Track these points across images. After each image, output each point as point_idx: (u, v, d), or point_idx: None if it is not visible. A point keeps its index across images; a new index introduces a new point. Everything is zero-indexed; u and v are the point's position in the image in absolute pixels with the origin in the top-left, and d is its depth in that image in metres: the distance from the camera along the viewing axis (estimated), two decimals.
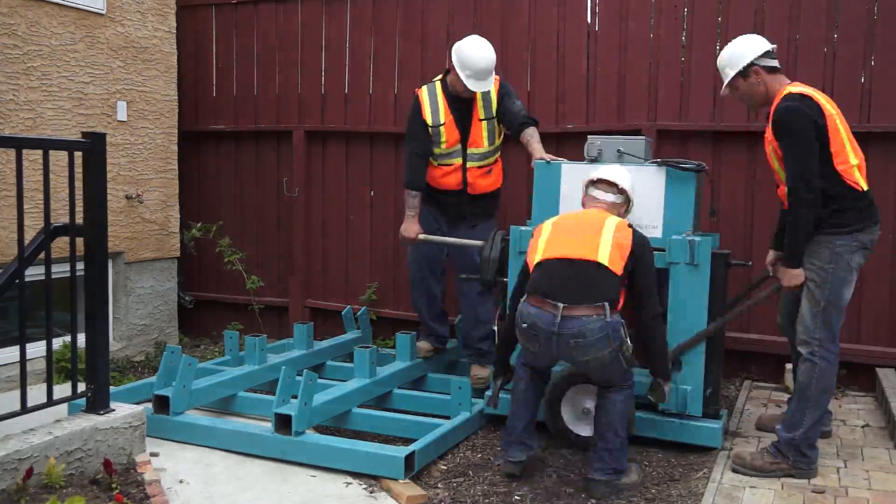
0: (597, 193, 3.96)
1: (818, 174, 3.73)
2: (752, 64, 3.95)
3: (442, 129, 4.98)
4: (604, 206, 3.93)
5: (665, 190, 4.20)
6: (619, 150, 4.35)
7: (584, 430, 4.14)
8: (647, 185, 4.22)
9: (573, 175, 4.37)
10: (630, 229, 3.77)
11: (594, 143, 4.42)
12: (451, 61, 4.89)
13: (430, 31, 6.16)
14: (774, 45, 4.05)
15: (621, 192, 3.95)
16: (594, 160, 4.36)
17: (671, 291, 4.11)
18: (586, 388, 4.09)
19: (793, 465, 3.81)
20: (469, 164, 5.04)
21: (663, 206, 4.20)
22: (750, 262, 4.47)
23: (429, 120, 5.00)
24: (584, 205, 4.03)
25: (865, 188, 3.84)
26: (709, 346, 4.12)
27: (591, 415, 4.07)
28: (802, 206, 3.73)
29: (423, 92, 5.10)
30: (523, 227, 4.39)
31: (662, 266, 4.09)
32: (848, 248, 3.79)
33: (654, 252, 3.97)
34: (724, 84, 4.09)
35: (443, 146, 5.01)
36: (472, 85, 4.84)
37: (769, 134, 3.94)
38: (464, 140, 5.01)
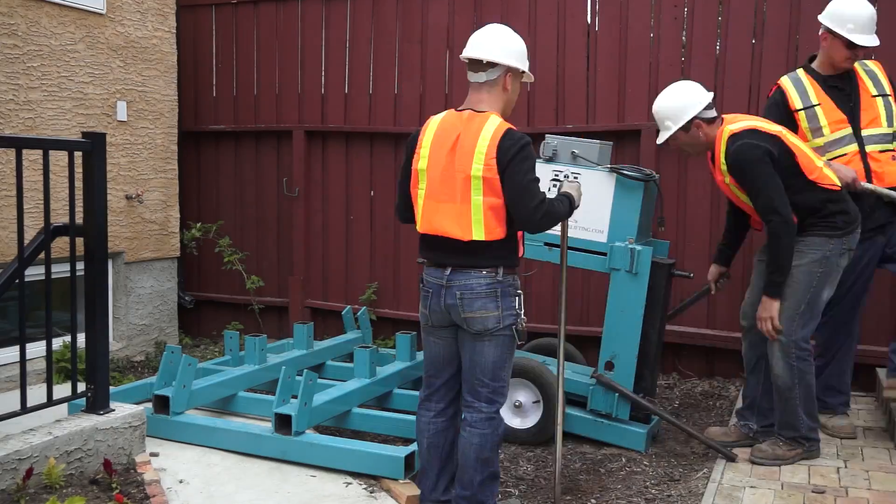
0: (469, 76, 3.31)
1: (789, 199, 3.82)
2: (694, 118, 3.97)
3: (818, 109, 4.22)
4: (480, 89, 3.28)
5: (613, 195, 4.22)
6: (573, 152, 4.35)
7: (517, 423, 4.34)
8: (596, 189, 4.23)
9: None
10: (496, 150, 3.10)
11: (550, 143, 4.41)
12: (823, 29, 4.21)
13: (429, 30, 6.16)
14: (712, 94, 4.09)
15: (489, 64, 3.24)
16: (549, 160, 4.37)
17: (610, 296, 4.22)
18: (518, 381, 4.28)
19: (807, 451, 4.01)
20: (869, 149, 4.20)
21: (610, 211, 4.21)
22: (691, 274, 4.50)
23: (797, 104, 4.25)
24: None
25: (839, 184, 3.92)
26: (641, 352, 4.20)
27: (523, 408, 4.31)
28: (781, 236, 3.81)
29: (785, 80, 4.37)
30: None
31: (604, 271, 4.23)
32: (837, 253, 3.90)
33: (596, 255, 4.17)
34: (662, 135, 4.10)
35: (825, 132, 4.22)
36: (860, 39, 4.09)
37: (723, 177, 4.01)
38: (854, 122, 4.22)
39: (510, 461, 4.07)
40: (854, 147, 4.20)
